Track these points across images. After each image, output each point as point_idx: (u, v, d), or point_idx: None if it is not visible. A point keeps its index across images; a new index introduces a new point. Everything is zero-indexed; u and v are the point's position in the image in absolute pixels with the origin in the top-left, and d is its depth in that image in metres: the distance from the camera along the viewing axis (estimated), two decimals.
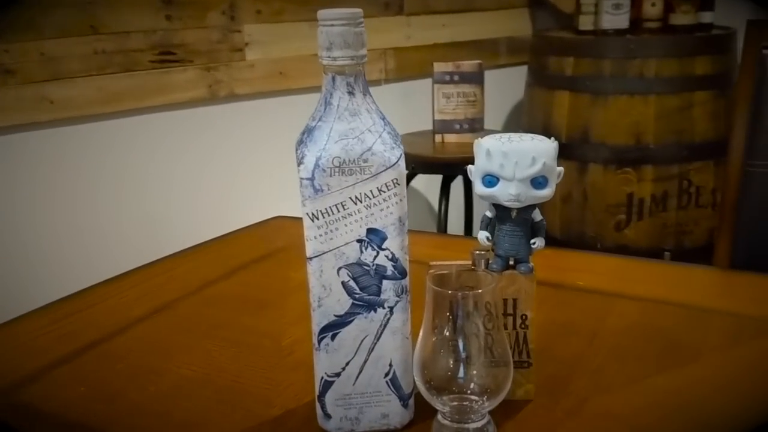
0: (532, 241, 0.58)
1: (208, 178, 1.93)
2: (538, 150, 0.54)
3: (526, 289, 0.59)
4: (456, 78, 2.09)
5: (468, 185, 2.22)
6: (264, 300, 0.82)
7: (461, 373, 0.54)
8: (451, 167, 2.02)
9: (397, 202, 0.53)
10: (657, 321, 0.75)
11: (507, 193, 0.55)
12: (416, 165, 2.04)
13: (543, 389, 0.61)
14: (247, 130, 2.00)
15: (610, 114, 2.11)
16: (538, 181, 0.55)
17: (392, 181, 0.52)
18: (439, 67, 2.08)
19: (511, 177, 0.55)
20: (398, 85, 2.32)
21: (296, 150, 0.53)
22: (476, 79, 2.08)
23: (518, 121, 2.45)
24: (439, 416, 0.56)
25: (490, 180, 0.56)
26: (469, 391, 0.54)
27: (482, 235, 0.58)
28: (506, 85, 2.51)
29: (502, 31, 2.57)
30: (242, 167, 1.99)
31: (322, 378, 0.56)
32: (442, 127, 2.11)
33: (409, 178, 2.19)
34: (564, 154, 2.26)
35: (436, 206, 2.35)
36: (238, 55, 1.95)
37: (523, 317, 0.59)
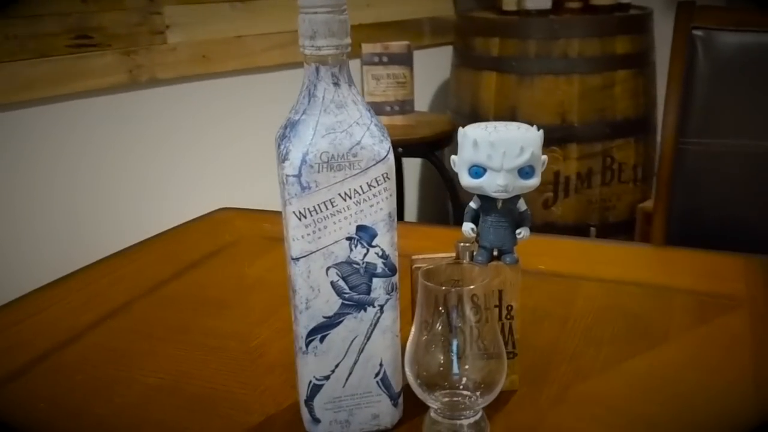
0: (518, 231, 0.57)
1: (134, 168, 1.85)
2: (525, 139, 0.54)
3: (511, 280, 0.58)
4: (385, 59, 2.07)
5: (400, 169, 2.21)
6: (222, 299, 0.79)
7: (454, 369, 0.53)
8: None
9: (386, 198, 0.51)
10: (622, 302, 0.76)
11: (495, 183, 0.54)
12: None
13: (525, 378, 0.61)
14: (171, 116, 1.92)
15: (536, 94, 2.14)
16: (525, 171, 0.54)
17: (382, 175, 0.50)
18: (367, 48, 2.06)
19: (499, 167, 0.53)
20: None
21: (278, 145, 0.51)
22: (405, 60, 2.07)
23: (445, 102, 2.45)
24: (432, 413, 0.55)
25: (477, 171, 0.54)
26: (462, 387, 0.53)
27: (467, 227, 0.57)
28: (432, 66, 2.50)
29: (425, 12, 2.56)
30: (170, 156, 1.92)
31: (311, 382, 0.54)
32: (373, 109, 2.09)
33: None
34: None
35: None
36: (159, 38, 1.87)
37: (509, 308, 0.59)
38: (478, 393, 0.52)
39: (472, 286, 0.51)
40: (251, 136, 2.05)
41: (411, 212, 2.56)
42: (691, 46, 1.28)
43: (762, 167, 1.26)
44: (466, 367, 0.52)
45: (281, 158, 0.50)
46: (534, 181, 0.54)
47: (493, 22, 2.25)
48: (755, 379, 0.61)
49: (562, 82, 2.12)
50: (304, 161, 0.49)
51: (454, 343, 0.52)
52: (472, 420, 0.54)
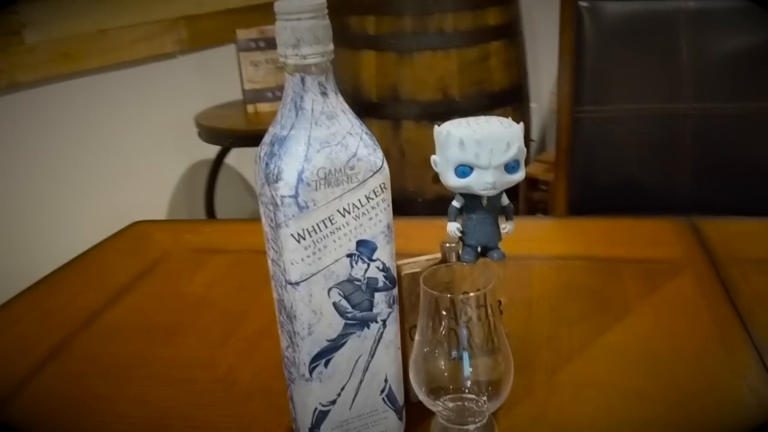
0: (503, 226, 0.56)
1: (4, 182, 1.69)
2: (511, 135, 0.53)
3: (499, 276, 0.57)
4: (262, 44, 2.00)
5: None
6: (170, 324, 0.73)
7: (463, 372, 0.52)
8: None
9: (385, 208, 0.49)
10: (575, 278, 0.78)
11: (484, 182, 0.53)
12: (233, 139, 1.94)
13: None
14: (35, 121, 1.77)
15: (417, 71, 2.15)
16: (511, 166, 0.53)
17: (380, 186, 0.48)
18: (242, 33, 1.99)
19: (487, 165, 0.52)
20: (196, 56, 2.18)
21: (264, 165, 0.47)
22: None
23: None
24: (440, 419, 0.54)
25: (464, 170, 0.53)
26: (469, 391, 0.52)
27: (453, 227, 0.56)
28: None
29: None
30: (39, 167, 1.77)
31: (316, 409, 0.51)
32: (254, 96, 2.03)
33: (223, 153, 2.10)
34: (377, 113, 2.26)
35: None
36: (16, 39, 1.71)
37: (498, 303, 0.58)
38: (485, 397, 0.52)
39: (483, 290, 0.50)
40: (131, 136, 1.94)
41: None
42: (578, 16, 1.33)
43: (652, 129, 1.33)
44: (474, 370, 0.51)
45: (272, 178, 0.46)
46: (520, 175, 0.54)
47: (367, 0, 2.23)
48: (723, 341, 0.64)
49: (440, 57, 2.14)
50: (300, 180, 0.45)
51: (463, 346, 0.51)
52: (479, 424, 0.53)
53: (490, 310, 0.50)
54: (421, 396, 0.53)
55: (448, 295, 0.51)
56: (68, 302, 0.79)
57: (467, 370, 0.51)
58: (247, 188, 2.40)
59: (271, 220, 0.48)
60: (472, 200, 0.55)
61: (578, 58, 1.34)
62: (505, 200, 0.56)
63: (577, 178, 1.35)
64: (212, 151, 2.08)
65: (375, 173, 0.47)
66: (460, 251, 0.57)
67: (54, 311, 0.77)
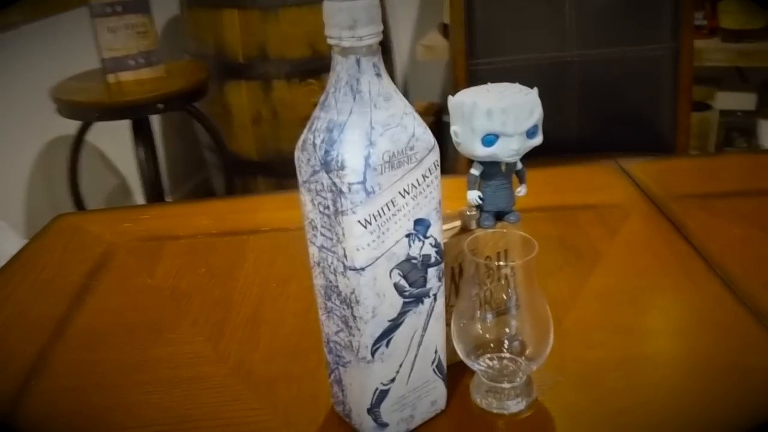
0: (518, 189, 0.58)
1: None
2: (532, 101, 0.54)
3: (514, 239, 0.59)
4: (119, 8, 1.87)
5: (149, 127, 2.05)
6: (152, 323, 0.69)
7: (502, 334, 0.54)
8: (141, 108, 1.84)
9: (437, 185, 0.49)
10: (534, 228, 0.81)
11: (509, 149, 0.54)
12: (100, 113, 1.82)
13: None
14: None
15: (284, 27, 2.10)
16: (531, 131, 0.55)
17: (434, 163, 0.48)
18: None
19: (513, 133, 0.54)
20: (42, 23, 1.99)
21: (322, 152, 0.45)
22: (141, 6, 1.89)
23: (180, 46, 2.30)
24: (481, 377, 0.56)
25: (490, 139, 0.54)
26: (507, 351, 0.55)
27: (474, 195, 0.57)
28: (156, 9, 2.31)
29: None
30: None
31: (377, 389, 0.51)
32: (115, 65, 1.89)
33: (83, 131, 1.96)
34: (245, 74, 2.20)
35: (124, 158, 2.15)
36: None
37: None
38: (523, 357, 0.54)
39: (528, 258, 0.52)
40: None
41: (165, 170, 2.40)
42: None
43: (542, 77, 1.40)
44: (512, 330, 0.54)
45: (335, 166, 0.45)
46: (539, 139, 0.56)
47: None
48: (689, 275, 0.71)
49: (307, 12, 2.10)
50: (367, 165, 0.45)
51: (503, 308, 0.53)
52: (518, 383, 0.55)
53: (529, 276, 0.53)
54: (463, 357, 0.55)
55: (498, 263, 0.52)
56: (22, 313, 0.72)
57: (506, 330, 0.54)
58: (110, 167, 2.26)
59: (326, 208, 0.46)
60: (491, 167, 0.56)
61: (468, 12, 1.37)
62: (519, 164, 0.58)
63: None
64: (69, 128, 1.93)
65: (430, 151, 0.47)
66: (479, 218, 0.58)
67: (13, 325, 0.70)
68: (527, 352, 0.54)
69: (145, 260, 0.79)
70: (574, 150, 1.40)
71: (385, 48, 2.35)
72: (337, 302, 0.50)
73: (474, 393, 0.57)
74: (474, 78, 1.39)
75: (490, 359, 0.56)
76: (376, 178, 0.45)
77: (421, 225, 0.49)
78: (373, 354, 0.50)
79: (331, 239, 0.48)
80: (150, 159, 1.91)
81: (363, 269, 0.47)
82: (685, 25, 1.34)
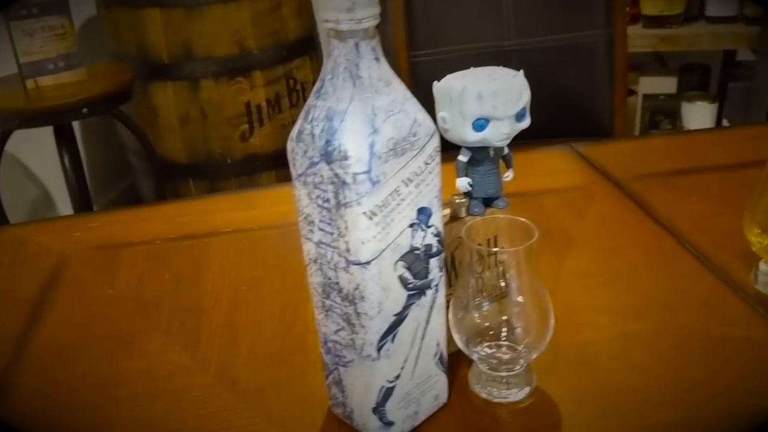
0: (506, 174, 0.57)
1: None
2: (521, 84, 0.53)
3: (483, 228, 0.58)
4: (35, 11, 1.77)
5: (72, 133, 1.96)
6: (120, 335, 0.65)
7: (500, 322, 0.53)
8: (63, 114, 1.76)
9: (438, 173, 0.47)
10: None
11: (500, 133, 0.53)
12: (20, 120, 1.72)
13: None
14: None
15: (209, 25, 2.04)
16: (520, 114, 0.54)
17: (435, 150, 0.46)
18: None
19: (503, 116, 0.53)
20: None
21: (323, 143, 0.43)
22: (59, 8, 1.80)
23: (97, 47, 2.20)
24: (479, 366, 0.55)
25: (481, 124, 0.53)
26: (506, 338, 0.54)
27: (464, 182, 0.56)
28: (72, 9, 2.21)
29: None
30: None
31: (382, 387, 0.49)
32: (33, 70, 1.80)
33: (4, 138, 1.85)
34: (171, 75, 2.13)
35: (47, 166, 2.04)
36: None
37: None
38: (522, 345, 0.54)
39: (529, 243, 0.51)
40: None
41: (89, 177, 2.30)
42: None
43: (482, 65, 1.40)
44: (511, 318, 0.53)
45: (337, 156, 0.42)
46: (527, 121, 0.55)
47: None
48: (662, 251, 0.72)
49: (232, 9, 2.05)
50: (372, 153, 0.43)
51: (500, 295, 0.52)
52: (518, 372, 0.55)
53: (529, 262, 0.52)
54: (462, 346, 0.54)
55: (496, 249, 0.51)
56: None
57: (506, 318, 0.53)
58: (32, 176, 2.15)
59: (326, 201, 0.44)
60: (479, 153, 0.55)
61: (408, 4, 1.36)
62: (506, 149, 0.57)
63: None
64: None
65: (431, 137, 0.46)
66: (468, 205, 0.57)
67: None
68: (528, 339, 0.53)
69: (103, 270, 0.74)
70: (516, 137, 1.41)
71: (314, 44, 2.32)
72: (338, 300, 0.48)
73: (474, 384, 0.56)
74: (416, 70, 1.38)
75: (489, 347, 0.55)
76: (380, 166, 0.43)
77: (423, 214, 0.47)
78: (378, 351, 0.48)
79: (332, 234, 0.45)
80: (75, 166, 1.82)
81: (368, 263, 0.45)
82: (617, 11, 1.37)
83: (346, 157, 0.42)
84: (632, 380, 0.56)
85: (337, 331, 0.49)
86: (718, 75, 2.27)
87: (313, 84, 1.99)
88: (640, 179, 0.86)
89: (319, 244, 0.47)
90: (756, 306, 0.63)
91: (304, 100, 2.23)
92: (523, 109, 0.54)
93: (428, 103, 1.39)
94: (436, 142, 0.46)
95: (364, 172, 0.42)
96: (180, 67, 2.08)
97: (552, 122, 1.44)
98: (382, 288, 0.46)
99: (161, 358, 0.61)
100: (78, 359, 0.62)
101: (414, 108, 0.45)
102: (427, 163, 0.46)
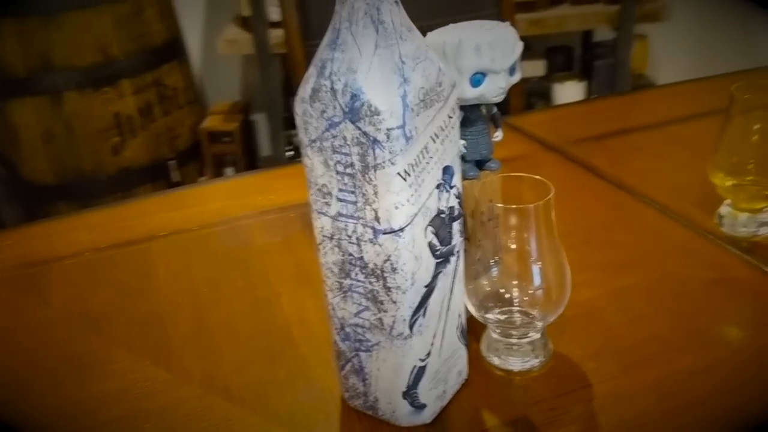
0: (495, 135, 0.55)
1: None
2: (514, 34, 0.51)
3: (495, 187, 0.56)
4: None
5: None
6: (77, 357, 0.57)
7: (516, 286, 0.51)
8: None
9: (457, 128, 0.44)
10: None
11: (497, 87, 0.51)
12: None
13: None
14: None
15: (69, 34, 1.89)
16: (512, 68, 0.52)
17: (456, 102, 0.43)
18: None
19: (500, 69, 0.50)
20: None
21: (347, 98, 0.39)
22: None
23: None
24: (492, 334, 0.52)
25: (477, 79, 0.50)
26: (519, 302, 0.51)
27: (460, 144, 0.52)
28: None
29: None
30: None
31: (414, 367, 0.45)
32: None
33: None
34: (29, 90, 1.97)
35: None
36: None
37: (497, 217, 0.57)
38: (538, 309, 0.51)
39: (541, 202, 0.48)
40: None
41: None
42: None
43: None
44: (524, 283, 0.51)
45: (366, 111, 0.38)
46: (519, 75, 0.53)
47: None
48: (625, 210, 0.72)
49: (92, 15, 1.91)
50: (405, 105, 0.39)
51: (533, 261, 0.50)
52: (533, 339, 0.52)
53: (547, 219, 0.49)
54: (475, 312, 0.51)
55: (515, 206, 0.48)
56: None
57: (518, 282, 0.50)
58: None
59: (349, 166, 0.40)
60: (472, 112, 0.52)
61: None
62: (494, 107, 0.55)
63: None
64: None
65: (453, 88, 0.42)
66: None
67: None
68: (546, 301, 0.51)
69: (33, 289, 0.65)
70: None
71: (182, 48, 2.21)
72: (360, 277, 0.43)
73: (490, 355, 0.53)
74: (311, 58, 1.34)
75: (502, 314, 0.52)
76: (413, 120, 0.39)
77: (447, 173, 0.43)
78: (411, 327, 0.44)
79: (355, 203, 0.41)
80: None
81: (402, 230, 0.41)
82: None
83: (377, 112, 0.38)
84: (643, 332, 0.55)
85: (358, 312, 0.45)
86: (580, 55, 2.38)
87: (185, 89, 1.91)
88: (577, 144, 0.86)
89: (337, 217, 0.42)
90: (728, 246, 0.64)
91: (178, 107, 2.13)
92: (515, 62, 0.52)
93: None
94: (456, 94, 0.43)
95: (398, 127, 0.38)
96: (39, 81, 1.91)
97: None
98: (414, 257, 0.42)
99: (134, 376, 0.53)
100: (37, 389, 0.53)
101: (436, 56, 0.41)
102: (450, 117, 0.43)
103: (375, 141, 0.38)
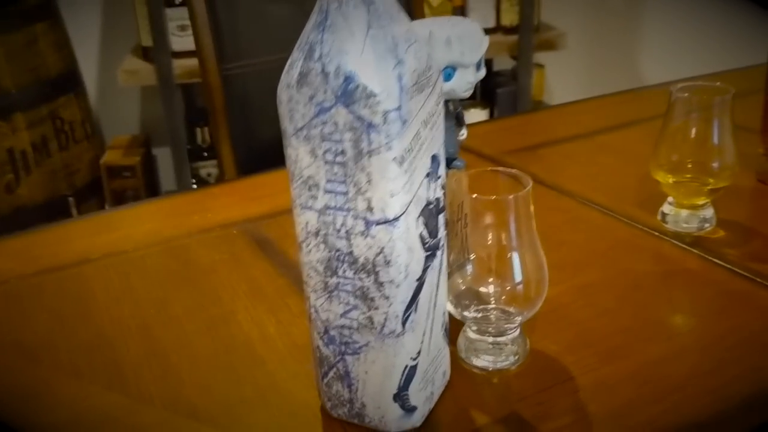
0: (461, 132, 0.54)
1: None
2: (479, 29, 0.51)
3: (463, 186, 0.55)
4: None
5: None
6: (19, 389, 0.51)
7: (493, 282, 0.50)
8: None
9: (443, 115, 0.43)
10: None
11: (466, 82, 0.50)
12: None
13: None
14: None
15: None
16: (479, 63, 0.51)
17: (441, 89, 0.42)
18: None
19: (469, 63, 0.50)
20: None
21: (340, 80, 0.37)
22: None
23: None
24: (469, 332, 0.51)
25: (448, 73, 0.49)
26: (494, 300, 0.51)
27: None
28: None
29: None
30: None
31: (406, 367, 0.43)
32: None
33: None
34: None
35: None
36: None
37: (465, 216, 0.56)
38: (515, 305, 0.51)
39: (520, 194, 0.48)
40: None
41: None
42: None
43: None
44: (506, 277, 0.50)
45: (360, 94, 0.37)
46: (484, 71, 0.52)
47: None
48: (583, 206, 0.73)
49: None
50: (401, 87, 0.37)
51: (512, 256, 0.49)
52: (509, 337, 0.52)
53: (526, 210, 0.49)
54: (452, 308, 0.50)
55: (493, 197, 0.48)
56: None
57: (495, 278, 0.50)
58: None
59: (340, 153, 0.38)
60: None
61: (213, 15, 1.29)
62: (459, 105, 0.54)
63: (239, 137, 1.32)
64: None
65: (440, 74, 0.41)
66: None
67: None
68: (526, 298, 0.50)
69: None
70: None
71: (78, 79, 2.12)
72: (349, 274, 0.41)
73: (468, 355, 0.51)
74: (229, 83, 1.31)
75: (478, 311, 0.51)
76: (407, 103, 0.38)
77: (435, 162, 0.42)
78: (404, 323, 0.42)
79: (345, 194, 0.39)
80: None
81: (396, 219, 0.39)
82: (416, 8, 1.41)
83: (372, 94, 0.37)
84: (611, 324, 0.55)
85: (345, 312, 0.42)
86: (481, 83, 2.45)
87: (82, 123, 1.82)
88: (512, 154, 0.88)
89: (324, 211, 0.40)
90: (674, 241, 0.66)
91: (75, 141, 2.03)
92: (482, 57, 0.52)
93: (249, 118, 1.31)
94: (441, 80, 0.42)
95: (395, 109, 0.37)
96: None
97: None
98: (408, 248, 0.40)
99: (87, 403, 0.49)
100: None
101: (423, 39, 0.40)
102: (437, 104, 0.42)
103: (370, 125, 0.37)
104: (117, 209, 0.90)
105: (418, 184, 0.40)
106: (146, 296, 0.62)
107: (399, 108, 0.37)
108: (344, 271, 0.41)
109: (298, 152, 0.39)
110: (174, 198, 1.00)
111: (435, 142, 0.42)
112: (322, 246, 0.41)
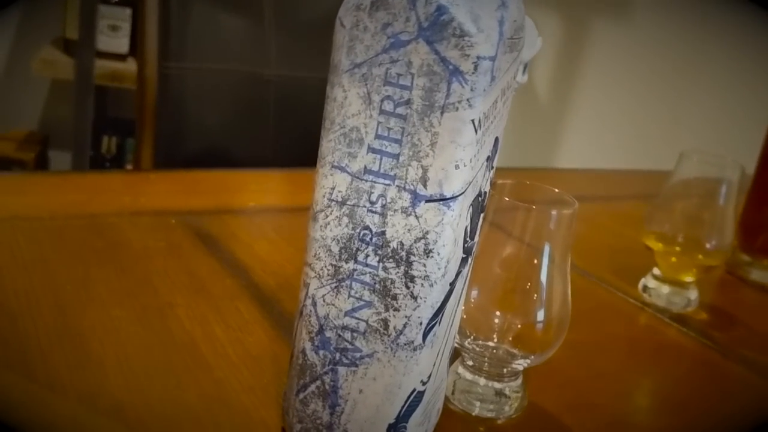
0: None
1: None
2: (534, 26, 0.45)
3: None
4: None
5: None
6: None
7: (507, 316, 0.43)
8: None
9: (511, 96, 0.36)
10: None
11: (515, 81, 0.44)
12: None
13: None
14: None
15: None
16: (526, 64, 0.45)
17: (521, 65, 0.35)
18: None
19: (522, 60, 0.43)
20: None
21: (424, 10, 0.29)
22: None
23: None
24: (460, 369, 0.43)
25: None
26: (498, 340, 0.43)
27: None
28: None
29: None
30: None
31: (414, 391, 0.35)
32: None
33: None
34: None
35: None
36: None
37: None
38: (517, 349, 0.43)
39: (565, 210, 0.41)
40: None
41: None
42: None
43: (238, 91, 1.28)
44: (532, 314, 0.43)
45: (455, 31, 0.29)
46: (527, 76, 0.46)
47: None
48: None
49: None
50: (501, 34, 0.30)
51: (538, 289, 0.42)
52: (513, 383, 0.44)
53: (568, 232, 0.42)
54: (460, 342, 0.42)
55: (533, 206, 0.41)
56: None
57: (513, 312, 0.42)
58: None
59: (405, 103, 0.30)
60: None
61: (164, 10, 1.19)
62: None
63: (162, 134, 1.21)
64: None
65: (522, 48, 0.35)
66: None
67: None
68: (541, 339, 0.43)
69: None
70: (269, 165, 1.30)
71: None
72: (373, 260, 0.33)
73: (461, 400, 0.43)
74: (166, 81, 1.20)
75: (478, 346, 0.43)
76: (501, 57, 0.31)
77: (495, 147, 0.35)
78: (425, 335, 0.34)
79: (397, 156, 0.31)
80: None
81: (454, 199, 0.31)
82: None
83: (468, 33, 0.29)
84: (613, 388, 0.49)
85: (354, 309, 0.34)
86: None
87: None
88: None
89: (361, 174, 0.32)
90: (657, 314, 0.61)
91: None
92: (530, 60, 0.46)
93: (180, 124, 1.21)
94: (523, 53, 0.35)
95: (489, 58, 0.30)
96: None
97: (305, 155, 1.36)
98: (454, 240, 0.33)
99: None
100: None
101: None
102: (514, 78, 0.35)
103: (456, 71, 0.29)
104: (36, 173, 0.77)
105: (480, 165, 0.33)
106: (62, 271, 0.50)
107: (494, 58, 0.30)
108: (366, 256, 0.33)
109: (347, 94, 0.31)
110: (103, 174, 0.87)
111: (501, 122, 0.35)
112: (345, 220, 0.33)
